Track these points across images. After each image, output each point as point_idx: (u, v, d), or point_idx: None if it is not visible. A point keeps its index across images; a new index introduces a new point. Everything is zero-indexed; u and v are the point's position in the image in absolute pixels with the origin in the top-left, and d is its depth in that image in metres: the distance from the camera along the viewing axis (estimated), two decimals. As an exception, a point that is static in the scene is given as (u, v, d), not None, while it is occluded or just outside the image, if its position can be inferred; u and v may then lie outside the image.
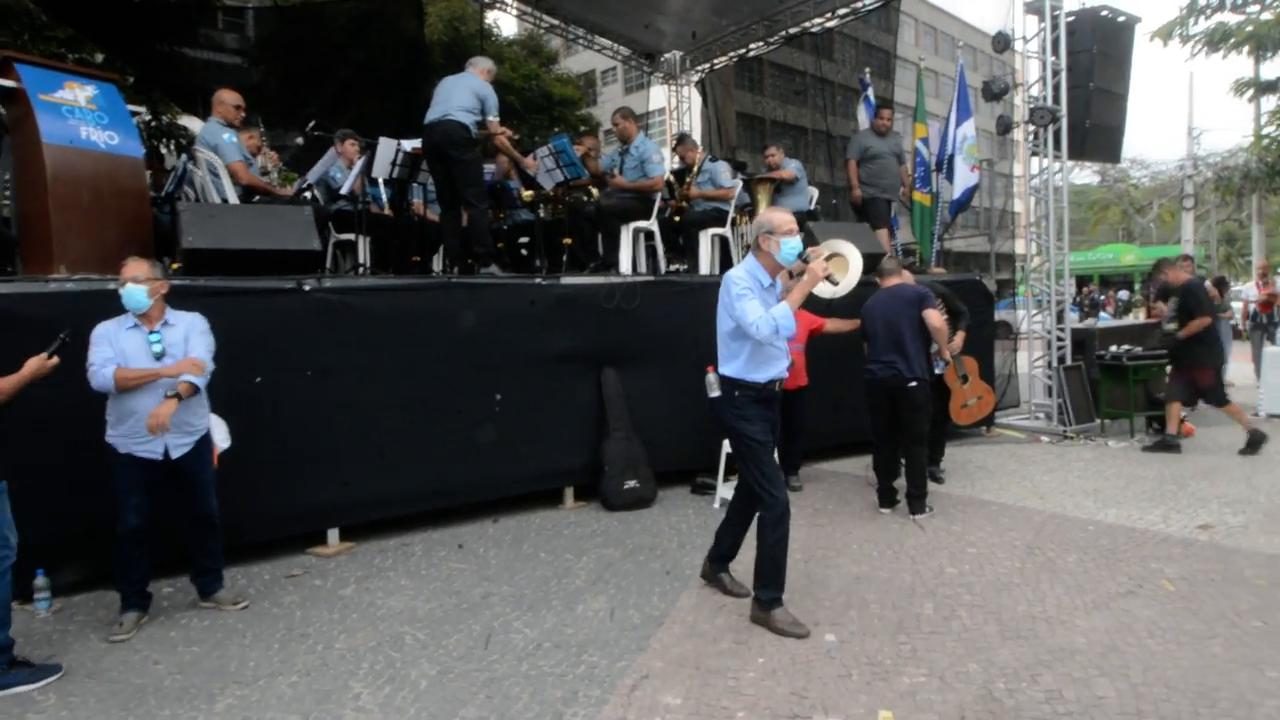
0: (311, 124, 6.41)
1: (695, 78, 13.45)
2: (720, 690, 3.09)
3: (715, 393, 3.85)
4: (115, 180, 4.76)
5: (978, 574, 4.24)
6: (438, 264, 6.94)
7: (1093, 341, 8.58)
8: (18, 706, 3.12)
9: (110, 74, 5.14)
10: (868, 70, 10.28)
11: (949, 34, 32.64)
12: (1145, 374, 7.73)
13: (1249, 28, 9.67)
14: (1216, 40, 9.26)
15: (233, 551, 4.48)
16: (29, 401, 3.36)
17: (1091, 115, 8.58)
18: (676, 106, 13.76)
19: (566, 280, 5.82)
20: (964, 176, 8.84)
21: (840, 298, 4.19)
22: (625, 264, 6.65)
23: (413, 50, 10.83)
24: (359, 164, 5.97)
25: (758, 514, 3.73)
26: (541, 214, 7.21)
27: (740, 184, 7.51)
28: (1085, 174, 35.80)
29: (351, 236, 6.23)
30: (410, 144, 6.14)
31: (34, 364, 3.34)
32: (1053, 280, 8.39)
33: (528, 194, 6.89)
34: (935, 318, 5.60)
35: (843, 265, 3.90)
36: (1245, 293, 11.42)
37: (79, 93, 4.72)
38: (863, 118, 9.78)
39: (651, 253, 7.12)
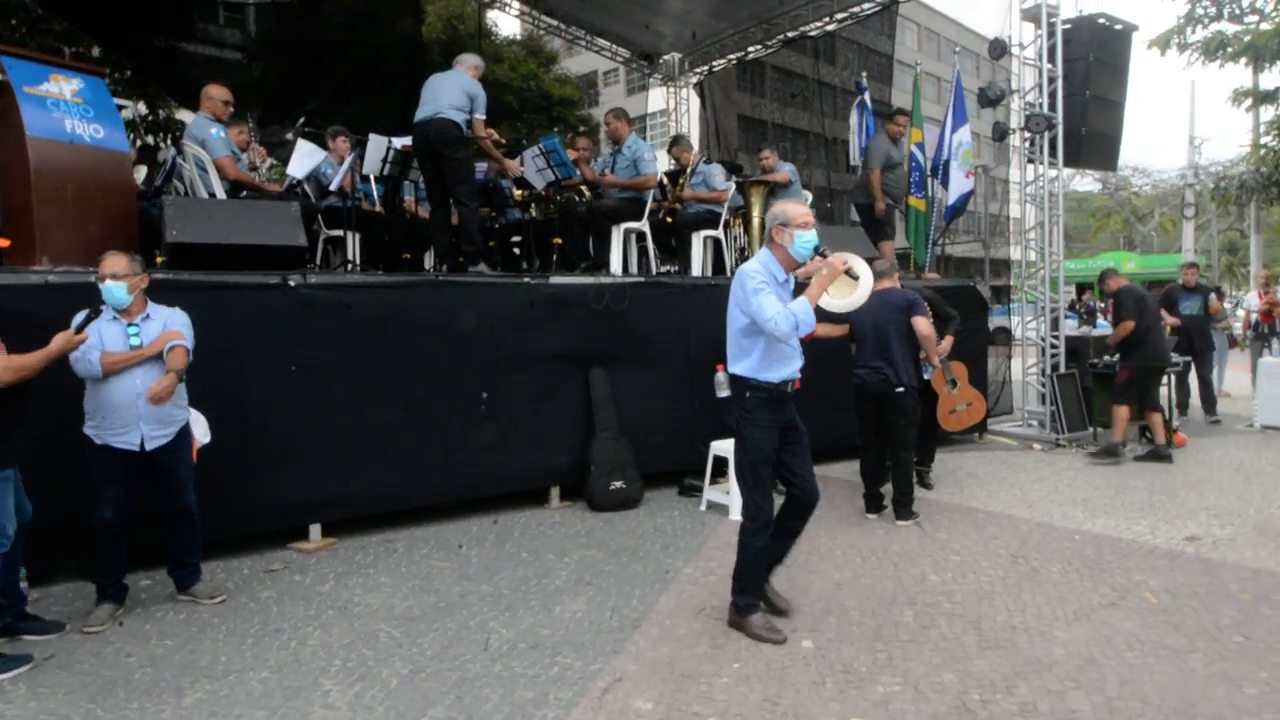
0: (301, 120, 6.39)
1: (694, 80, 13.44)
2: (692, 695, 3.06)
3: (724, 392, 3.70)
4: (100, 174, 4.75)
5: (960, 582, 4.21)
6: (429, 262, 6.93)
7: (1086, 349, 8.57)
8: (-14, 697, 3.11)
9: (97, 67, 5.15)
10: (864, 75, 10.24)
11: (951, 39, 32.65)
12: (1138, 383, 7.69)
13: (1247, 37, 9.65)
14: (1213, 50, 9.25)
15: (213, 545, 4.48)
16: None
17: (1088, 123, 8.56)
18: (675, 108, 13.75)
19: (555, 280, 5.80)
20: (959, 182, 8.83)
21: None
22: (616, 264, 6.63)
23: (410, 48, 10.85)
24: (348, 160, 5.96)
25: (740, 522, 3.65)
26: (534, 213, 7.20)
27: (734, 186, 7.49)
28: (1087, 181, 35.84)
29: (341, 233, 6.21)
30: (401, 141, 6.13)
31: (61, 339, 3.39)
32: (1047, 287, 8.36)
33: (519, 193, 6.87)
34: (924, 325, 5.58)
35: (851, 281, 3.77)
36: (1248, 302, 11.39)
37: (65, 86, 4.70)
38: (855, 121, 9.76)
39: (643, 253, 7.09)
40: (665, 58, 13.43)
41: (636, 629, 3.67)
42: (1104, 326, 18.64)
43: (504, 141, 6.57)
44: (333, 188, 5.97)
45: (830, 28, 11.43)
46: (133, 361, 3.66)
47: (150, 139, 11.85)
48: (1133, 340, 6.98)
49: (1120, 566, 4.40)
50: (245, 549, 4.74)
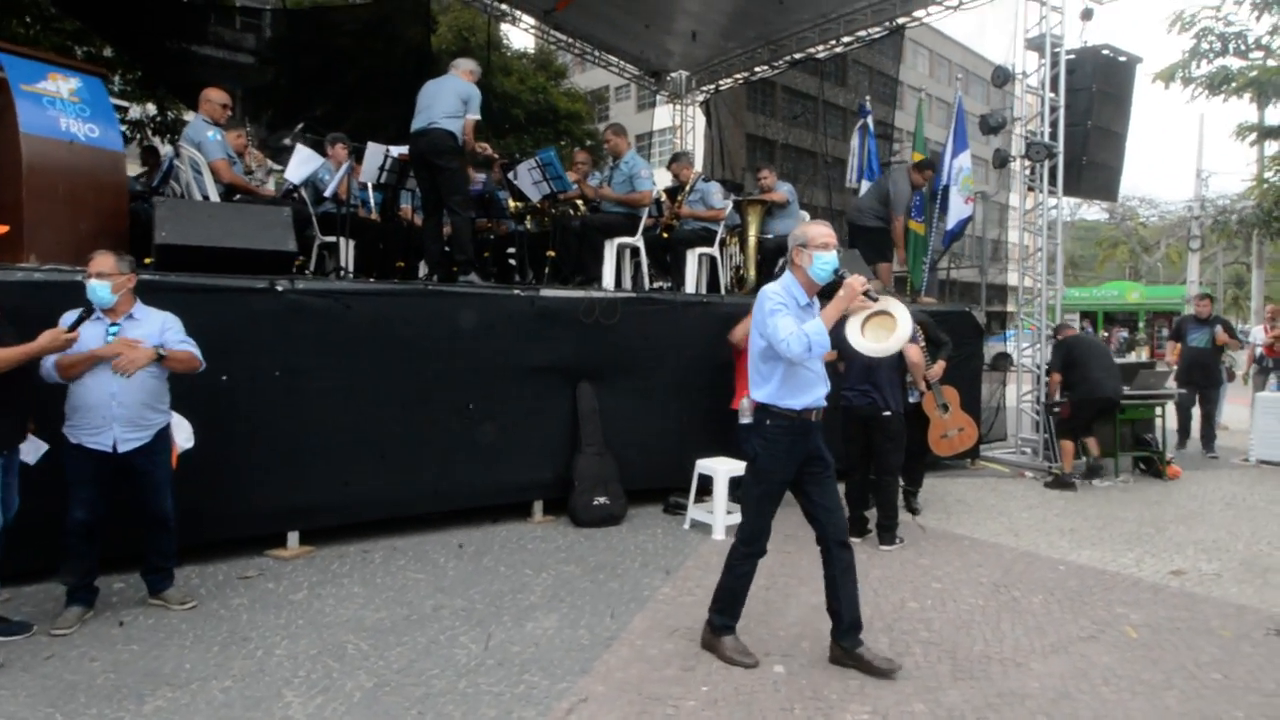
0: (300, 125, 6.42)
1: (700, 98, 13.50)
2: (658, 718, 3.02)
3: (746, 419, 3.50)
4: (93, 173, 4.76)
5: (939, 610, 4.16)
6: (424, 270, 6.93)
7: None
8: (-56, 699, 3.08)
9: (98, 68, 5.17)
10: (868, 98, 10.27)
11: (962, 65, 32.80)
12: (1132, 414, 7.65)
13: (1252, 73, 9.65)
14: (1218, 84, 9.26)
15: (191, 549, 4.47)
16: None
17: (1089, 153, 8.57)
18: (681, 125, 13.81)
19: (546, 292, 5.79)
20: (958, 208, 8.82)
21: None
22: (608, 279, 6.62)
23: (420, 58, 10.90)
24: (344, 167, 5.97)
25: (733, 543, 3.52)
26: (529, 226, 7.21)
27: (731, 205, 7.49)
28: (1094, 211, 35.86)
29: (335, 239, 6.22)
30: (398, 150, 6.14)
31: (48, 336, 3.41)
32: (1043, 315, 8.33)
33: (515, 205, 6.89)
34: (914, 352, 5.57)
35: (890, 324, 3.54)
36: (1254, 336, 11.32)
37: (62, 84, 4.72)
38: (855, 143, 9.78)
39: (637, 269, 7.09)
40: (673, 75, 13.50)
41: (608, 648, 3.63)
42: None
43: (497, 156, 6.60)
44: (327, 194, 5.98)
45: (837, 51, 11.48)
46: (89, 363, 3.61)
47: (158, 140, 11.95)
48: (1070, 382, 7.33)
49: (1103, 599, 4.34)
50: (222, 554, 4.71)
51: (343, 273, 6.06)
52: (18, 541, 3.68)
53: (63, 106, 4.69)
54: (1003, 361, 12.52)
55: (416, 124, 5.80)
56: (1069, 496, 6.89)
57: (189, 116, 12.27)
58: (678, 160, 8.02)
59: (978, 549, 5.27)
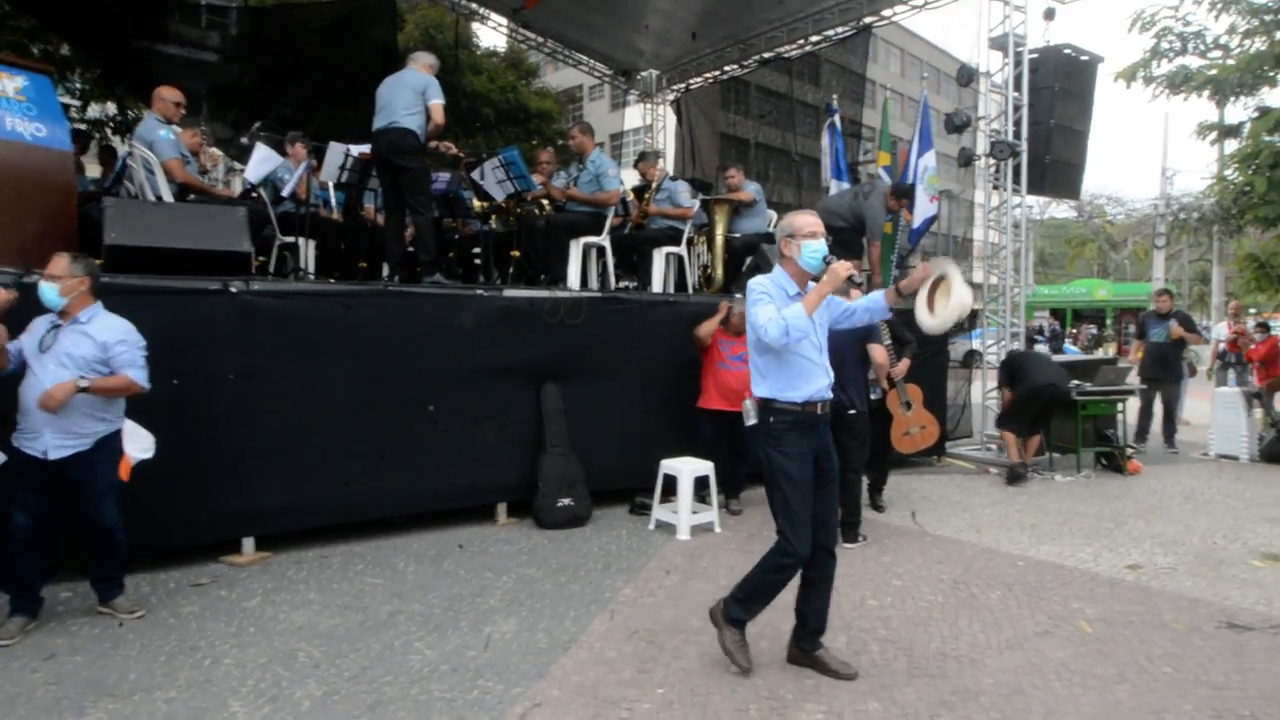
0: (257, 125, 6.32)
1: (671, 97, 13.49)
2: (611, 722, 3.00)
3: (751, 420, 3.44)
4: (40, 173, 4.65)
5: (898, 608, 4.18)
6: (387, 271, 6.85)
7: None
8: (-126, 715, 2.98)
9: (45, 66, 5.05)
10: (835, 97, 10.32)
11: (932, 64, 33.10)
12: (1094, 409, 7.75)
13: (1211, 72, 9.81)
14: (1178, 84, 9.41)
15: (143, 557, 4.37)
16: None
17: (1052, 151, 8.68)
18: (652, 125, 13.79)
19: (510, 292, 5.74)
20: (924, 206, 8.89)
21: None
22: (574, 279, 6.58)
23: (386, 56, 10.78)
24: (302, 166, 5.88)
25: (772, 546, 3.35)
26: (494, 225, 7.15)
27: (698, 204, 7.49)
28: (1063, 209, 36.36)
29: (294, 240, 6.13)
30: (359, 149, 6.07)
31: None
32: (1008, 312, 8.42)
33: (479, 204, 6.83)
34: (880, 353, 5.61)
35: (945, 290, 3.40)
36: (1217, 331, 11.54)
37: (7, 83, 4.61)
38: (826, 142, 9.82)
39: (604, 269, 7.06)
40: (643, 74, 13.49)
41: (565, 651, 3.60)
42: (1073, 352, 18.86)
43: (462, 155, 6.54)
44: (285, 193, 5.89)
45: (806, 49, 11.52)
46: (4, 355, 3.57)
47: (118, 140, 11.73)
48: (1015, 386, 7.52)
49: (1060, 594, 4.39)
50: (176, 562, 4.61)
51: (302, 273, 5.98)
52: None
53: (8, 105, 4.58)
54: (973, 359, 12.65)
55: (377, 123, 5.72)
56: (1031, 491, 6.96)
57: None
58: (645, 159, 7.99)
59: (939, 545, 5.30)
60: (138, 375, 3.73)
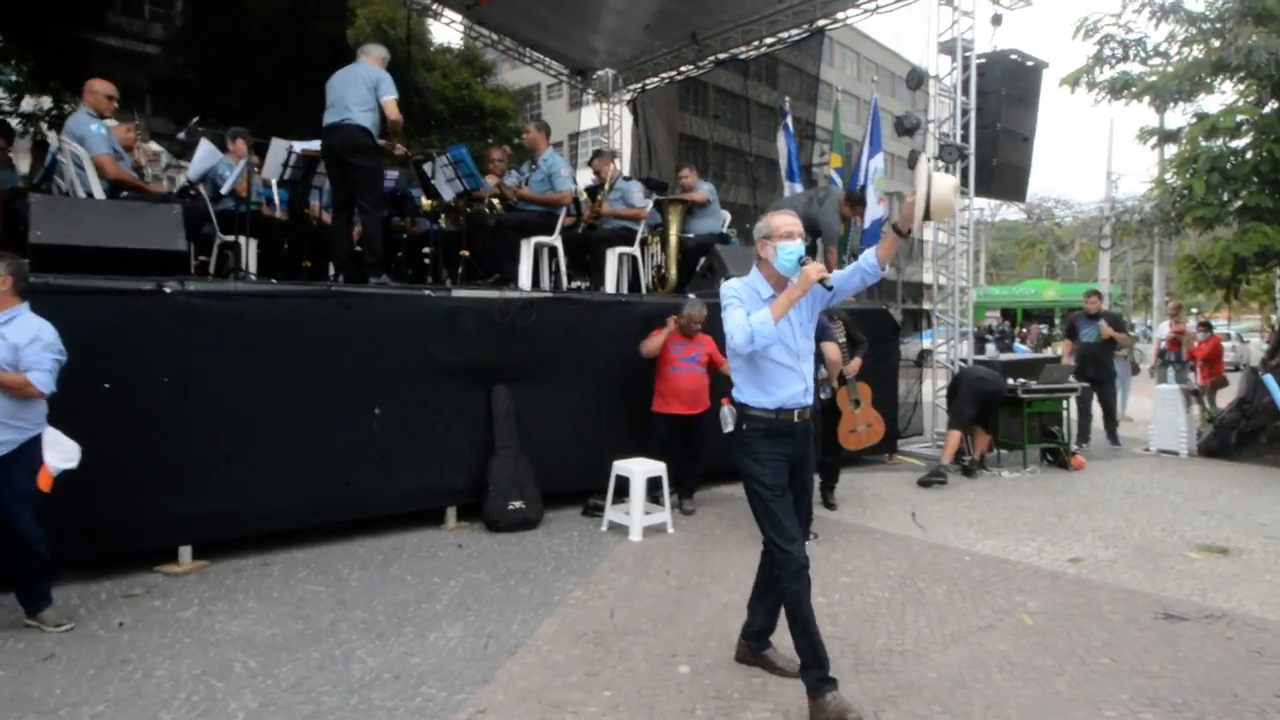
0: (195, 120, 6.13)
1: (628, 97, 13.47)
2: (555, 726, 2.96)
3: (728, 427, 3.27)
4: (-40, 167, 4.44)
5: (846, 604, 4.21)
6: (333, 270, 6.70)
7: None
8: None
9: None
10: (787, 99, 10.41)
11: (885, 67, 33.63)
12: (1039, 407, 7.92)
13: (1152, 78, 10.07)
14: (1119, 89, 9.64)
15: (75, 567, 4.22)
16: None
17: (998, 154, 8.85)
18: (608, 125, 13.76)
19: (458, 293, 5.66)
20: (873, 208, 9.00)
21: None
22: (525, 279, 6.52)
23: (335, 50, 10.58)
24: (242, 163, 5.72)
25: (763, 560, 3.33)
26: (444, 225, 7.05)
27: (651, 204, 7.47)
28: (1014, 211, 37.24)
29: (234, 238, 5.95)
30: (302, 145, 5.92)
31: None
32: (956, 312, 8.56)
33: (428, 203, 6.72)
34: (833, 351, 5.67)
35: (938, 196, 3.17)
36: (1159, 330, 11.88)
37: (-77, 71, 4.39)
38: (782, 144, 9.90)
39: (556, 269, 7.00)
40: (599, 74, 13.45)
41: (511, 656, 3.55)
42: (1023, 350, 19.28)
43: (410, 154, 6.42)
44: (224, 190, 5.72)
45: (761, 51, 11.60)
46: None
47: (53, 135, 11.30)
48: (958, 391, 7.73)
49: (1003, 588, 4.46)
50: (109, 572, 4.44)
51: (243, 273, 5.81)
52: None
53: (-77, 95, 4.36)
54: (927, 358, 12.86)
55: (328, 118, 5.59)
56: (979, 488, 7.08)
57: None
58: (599, 157, 7.96)
59: (888, 542, 5.36)
60: (37, 377, 3.54)
